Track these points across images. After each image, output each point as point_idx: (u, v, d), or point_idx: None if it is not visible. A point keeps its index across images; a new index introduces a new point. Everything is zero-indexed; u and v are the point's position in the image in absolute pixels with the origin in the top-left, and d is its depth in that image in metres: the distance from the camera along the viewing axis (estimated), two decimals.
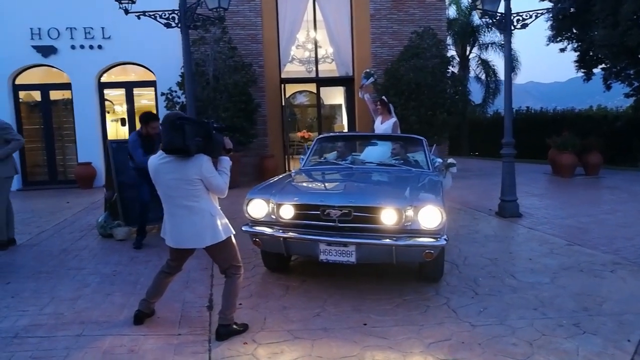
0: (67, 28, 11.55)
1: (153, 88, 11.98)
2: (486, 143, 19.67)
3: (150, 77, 12.06)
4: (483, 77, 21.96)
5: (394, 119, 7.24)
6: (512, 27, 7.30)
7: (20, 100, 11.98)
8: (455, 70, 21.61)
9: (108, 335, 3.44)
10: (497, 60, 23.00)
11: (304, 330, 3.58)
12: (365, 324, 3.67)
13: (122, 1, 6.77)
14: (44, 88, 11.96)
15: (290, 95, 16.44)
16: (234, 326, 3.50)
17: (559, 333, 3.48)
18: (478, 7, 7.45)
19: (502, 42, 21.63)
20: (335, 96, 15.21)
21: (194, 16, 6.87)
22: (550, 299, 4.10)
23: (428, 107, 10.69)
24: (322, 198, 4.18)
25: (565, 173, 11.39)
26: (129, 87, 12.20)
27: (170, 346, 3.30)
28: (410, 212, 4.03)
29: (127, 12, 6.85)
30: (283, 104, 12.68)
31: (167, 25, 6.92)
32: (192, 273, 4.83)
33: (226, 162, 3.56)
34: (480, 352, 3.22)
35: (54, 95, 12.06)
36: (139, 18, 6.93)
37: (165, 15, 6.88)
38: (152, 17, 6.89)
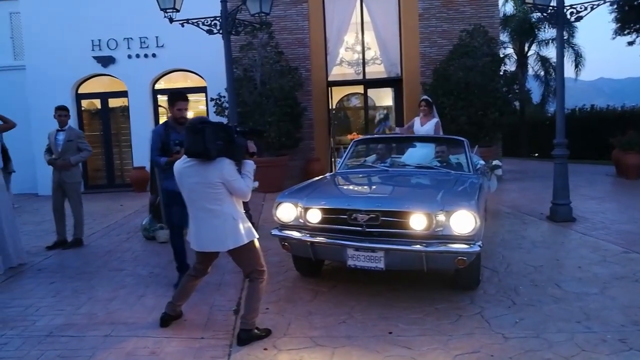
0: (124, 38, 12.11)
1: (204, 94, 12.32)
2: (546, 144, 18.75)
3: (201, 83, 12.40)
4: (542, 74, 20.95)
5: (435, 119, 7.02)
6: (565, 20, 6.89)
7: (83, 108, 12.67)
8: (513, 68, 20.84)
9: (134, 336, 3.51)
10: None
11: (327, 337, 3.50)
12: (390, 333, 3.55)
13: (167, 10, 6.98)
14: (104, 96, 12.59)
15: (342, 97, 16.39)
16: (256, 331, 3.48)
17: (601, 349, 3.20)
18: (528, 1, 7.10)
19: (565, 38, 20.75)
20: (383, 97, 15.00)
21: (235, 22, 6.96)
22: (597, 312, 3.80)
23: (478, 107, 10.30)
24: (349, 202, 4.09)
25: (631, 174, 10.63)
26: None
27: (191, 350, 3.33)
28: (441, 217, 3.86)
29: (171, 20, 7.05)
30: (330, 107, 12.65)
31: (210, 32, 7.06)
32: (226, 276, 4.88)
33: (249, 165, 3.55)
34: None
35: (113, 102, 12.67)
36: (182, 26, 7.12)
37: (207, 22, 7.02)
38: (195, 24, 7.05)
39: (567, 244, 5.90)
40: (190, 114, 5.26)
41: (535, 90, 24.78)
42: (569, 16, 6.81)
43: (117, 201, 10.32)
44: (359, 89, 13.24)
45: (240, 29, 7.21)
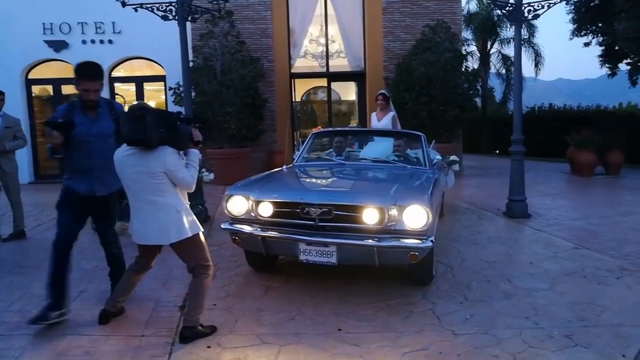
0: (78, 23, 11.62)
1: (163, 83, 11.95)
2: (507, 141, 19.15)
3: (160, 71, 12.03)
4: (504, 73, 21.34)
5: (392, 113, 6.98)
6: (523, 18, 6.95)
7: (34, 94, 12.10)
8: (476, 66, 21.16)
9: (68, 335, 3.31)
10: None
11: (274, 334, 3.39)
12: (340, 330, 3.46)
13: None
14: (56, 82, 12.05)
15: (308, 90, 16.26)
16: (200, 328, 3.33)
17: (547, 345, 3.21)
18: None
19: (525, 37, 21.17)
20: (347, 91, 14.95)
21: (191, 9, 6.72)
22: (545, 307, 3.82)
23: (439, 102, 10.37)
24: (302, 195, 3.97)
25: (584, 172, 10.94)
26: (139, 81, 12.20)
27: (130, 348, 3.16)
28: (394, 212, 3.79)
29: (124, 4, 6.77)
30: (293, 99, 12.50)
31: (164, 18, 6.79)
32: (175, 270, 4.69)
33: (194, 154, 3.39)
34: None
35: (66, 89, 12.12)
36: (136, 11, 6.83)
37: (162, 8, 6.75)
38: (149, 9, 6.77)
39: (521, 239, 5.96)
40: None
41: (498, 88, 25.23)
42: (526, 14, 6.86)
43: None
44: (323, 82, 13.13)
45: (197, 16, 6.96)
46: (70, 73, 12.05)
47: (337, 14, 12.13)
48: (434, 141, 6.65)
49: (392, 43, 11.82)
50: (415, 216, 3.78)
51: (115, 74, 12.15)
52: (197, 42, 10.81)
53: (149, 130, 3.03)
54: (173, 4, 6.70)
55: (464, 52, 18.08)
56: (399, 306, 3.87)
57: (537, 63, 21.23)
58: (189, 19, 6.83)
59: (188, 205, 3.37)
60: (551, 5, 6.78)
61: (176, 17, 6.71)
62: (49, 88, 12.24)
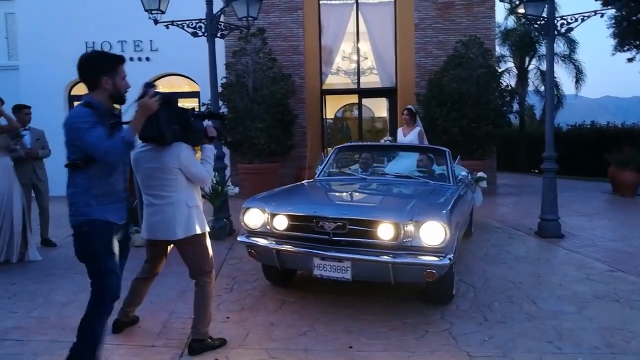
0: (118, 41, 12.05)
1: (197, 99, 12.21)
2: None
3: (194, 87, 12.31)
4: (543, 90, 20.81)
5: (418, 128, 6.88)
6: (556, 32, 6.77)
7: None
8: (513, 82, 20.74)
9: None
10: (559, 72, 21.81)
11: (284, 349, 3.33)
12: (351, 347, 3.38)
13: (152, 11, 6.89)
14: None
15: (340, 108, 16.30)
16: (209, 341, 3.31)
17: None
18: (519, 11, 7.00)
19: (565, 53, 20.67)
20: (379, 108, 14.89)
21: (219, 26, 6.87)
22: (571, 331, 3.62)
23: (471, 118, 10.16)
24: (316, 209, 3.93)
25: (626, 192, 10.46)
26: None
27: (139, 358, 3.17)
28: (410, 228, 3.70)
29: (156, 22, 6.97)
30: (324, 115, 12.54)
31: (194, 35, 6.96)
32: (192, 283, 4.69)
33: (209, 150, 3.42)
34: None
35: None
36: (167, 28, 7.03)
37: (192, 25, 6.92)
38: (180, 26, 6.96)
39: (552, 260, 5.72)
40: None
41: (538, 105, 24.64)
42: (559, 27, 6.68)
43: None
44: (354, 98, 13.13)
45: (225, 32, 7.10)
46: None
47: (369, 30, 12.15)
48: (459, 157, 6.50)
49: (424, 59, 11.71)
50: (433, 233, 3.67)
51: None
52: (230, 59, 11.02)
53: (163, 126, 3.06)
54: (202, 21, 6.86)
55: (500, 69, 17.75)
56: (415, 325, 3.75)
57: (578, 79, 20.61)
58: (218, 35, 6.98)
59: (200, 203, 3.38)
60: (585, 18, 6.57)
61: (205, 34, 6.86)
62: None
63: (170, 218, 3.20)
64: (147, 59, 12.03)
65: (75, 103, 12.34)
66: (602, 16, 6.47)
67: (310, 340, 3.48)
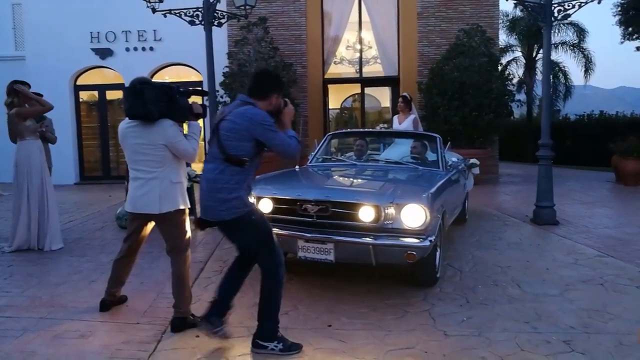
0: (122, 31, 12.18)
1: (200, 88, 12.30)
2: (553, 149, 18.38)
3: (198, 77, 12.41)
4: (551, 79, 20.58)
5: (413, 115, 6.90)
6: (553, 18, 6.72)
7: (81, 100, 12.76)
8: (520, 72, 20.55)
9: (68, 319, 3.47)
10: (568, 62, 21.56)
11: None
12: (330, 326, 3.45)
13: (150, 0, 6.97)
14: (101, 88, 12.67)
15: (346, 99, 16.32)
16: (191, 318, 3.40)
17: (541, 350, 3.08)
18: None
19: (574, 42, 20.40)
20: (382, 97, 14.88)
21: (216, 14, 6.93)
22: (550, 313, 3.66)
23: (473, 107, 10.14)
24: (299, 192, 4.00)
25: (629, 181, 10.38)
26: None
27: (122, 334, 3.27)
28: (391, 210, 3.76)
29: (154, 10, 7.06)
30: (327, 105, 12.57)
31: (191, 23, 7.04)
32: None
33: (195, 127, 3.50)
34: None
35: (110, 95, 12.73)
36: (165, 16, 7.11)
37: (189, 13, 6.99)
38: (177, 15, 7.04)
39: (543, 246, 5.73)
40: None
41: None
42: (556, 14, 6.64)
43: (109, 192, 10.35)
44: (356, 87, 13.14)
45: (223, 20, 7.16)
46: (114, 80, 12.52)
47: (372, 19, 12.13)
48: (449, 143, 6.51)
49: (427, 48, 11.68)
50: (413, 215, 3.73)
51: (157, 79, 12.62)
52: (232, 49, 11.09)
53: (149, 103, 3.15)
54: (200, 9, 6.93)
55: (504, 58, 17.58)
56: (396, 306, 3.81)
57: (588, 69, 20.33)
58: (215, 23, 7.05)
59: (185, 180, 3.48)
60: (582, 4, 6.53)
61: (202, 22, 6.93)
62: (95, 94, 12.87)
63: (155, 193, 3.29)
64: (151, 48, 12.15)
65: (82, 92, 12.56)
66: (599, 2, 6.40)
67: (291, 320, 3.56)
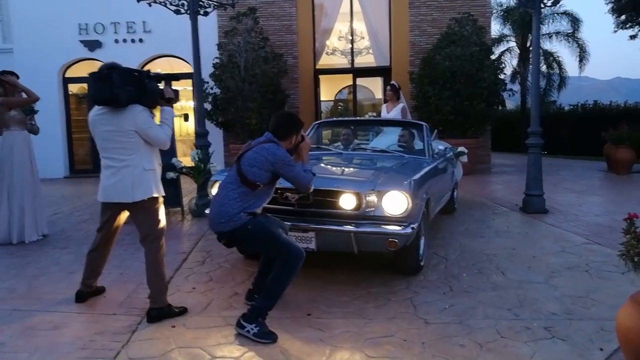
0: (111, 23, 12.02)
1: (190, 80, 12.17)
2: (548, 139, 18.31)
3: (189, 69, 12.26)
4: (545, 69, 20.52)
5: (401, 104, 6.82)
6: (542, 5, 6.65)
7: (70, 92, 12.63)
8: (514, 62, 20.47)
9: (43, 311, 3.41)
10: (563, 52, 21.40)
11: None
12: (309, 314, 3.41)
13: None
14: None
15: (341, 90, 16.23)
16: (167, 308, 3.35)
17: (521, 336, 3.04)
18: None
19: (568, 32, 20.31)
20: (375, 87, 14.79)
21: (202, 3, 6.82)
22: (533, 300, 3.62)
23: (464, 96, 10.06)
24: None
25: (621, 170, 10.35)
26: (168, 79, 12.45)
27: (96, 325, 3.22)
28: (372, 198, 3.71)
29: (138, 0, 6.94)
30: (319, 96, 12.49)
31: (177, 12, 6.94)
32: (167, 257, 4.72)
33: (167, 112, 3.43)
34: (417, 352, 2.86)
35: None
36: (150, 5, 7.00)
37: (175, 2, 6.89)
38: (162, 4, 6.93)
39: (531, 234, 5.69)
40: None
41: (540, 86, 24.26)
42: (545, 0, 6.56)
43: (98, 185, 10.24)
44: (348, 78, 13.04)
45: (209, 9, 7.06)
46: None
47: (363, 9, 12.01)
48: (436, 131, 6.45)
49: (419, 37, 11.58)
50: (395, 202, 3.68)
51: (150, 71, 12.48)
52: (222, 39, 10.97)
53: (117, 89, 3.07)
54: None
55: (497, 47, 17.46)
56: (378, 294, 3.77)
57: (582, 58, 20.24)
58: (201, 12, 6.94)
59: (158, 167, 3.41)
60: None
61: (188, 11, 6.83)
62: (85, 86, 12.71)
63: (127, 181, 3.22)
64: (141, 40, 12.01)
65: (71, 85, 12.42)
66: None
67: None
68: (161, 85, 3.42)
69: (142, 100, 3.21)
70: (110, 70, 3.10)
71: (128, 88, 3.10)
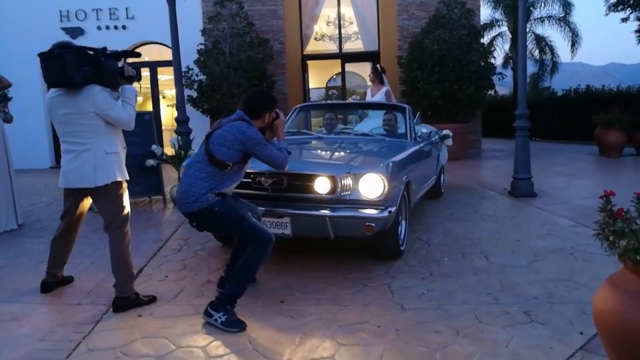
0: (93, 9, 11.75)
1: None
2: (542, 124, 18.17)
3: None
4: (537, 54, 20.35)
5: (385, 88, 6.67)
6: None
7: None
8: (507, 47, 20.29)
9: (4, 302, 3.28)
10: (555, 37, 21.22)
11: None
12: (282, 302, 3.29)
13: None
14: None
15: (332, 77, 16.02)
16: (134, 297, 3.22)
17: (499, 321, 2.93)
18: None
19: (561, 16, 20.11)
20: (364, 72, 14.60)
21: None
22: (514, 284, 3.52)
23: (453, 81, 9.90)
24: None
25: (612, 153, 10.26)
26: (153, 66, 12.27)
27: (59, 316, 3.10)
28: (348, 181, 3.58)
29: None
30: (307, 82, 12.31)
31: None
32: (143, 245, 4.63)
33: (128, 91, 3.27)
34: (391, 339, 2.75)
35: None
36: None
37: None
38: None
39: (518, 218, 5.59)
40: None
41: (532, 71, 24.13)
42: None
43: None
44: (337, 63, 12.85)
45: None
46: None
47: None
48: (418, 114, 6.30)
49: (407, 21, 11.38)
50: (371, 185, 3.55)
51: (132, 59, 12.24)
52: (206, 25, 10.75)
53: (70, 69, 2.91)
54: None
55: (494, 33, 17.25)
56: (356, 280, 3.65)
57: (574, 43, 20.06)
58: None
59: (122, 151, 3.27)
60: None
61: None
62: None
63: (88, 165, 3.08)
64: (124, 27, 11.75)
65: None
66: None
67: (243, 296, 3.37)
68: (120, 63, 3.25)
69: (101, 80, 3.05)
70: (62, 50, 2.93)
71: (83, 68, 2.94)
